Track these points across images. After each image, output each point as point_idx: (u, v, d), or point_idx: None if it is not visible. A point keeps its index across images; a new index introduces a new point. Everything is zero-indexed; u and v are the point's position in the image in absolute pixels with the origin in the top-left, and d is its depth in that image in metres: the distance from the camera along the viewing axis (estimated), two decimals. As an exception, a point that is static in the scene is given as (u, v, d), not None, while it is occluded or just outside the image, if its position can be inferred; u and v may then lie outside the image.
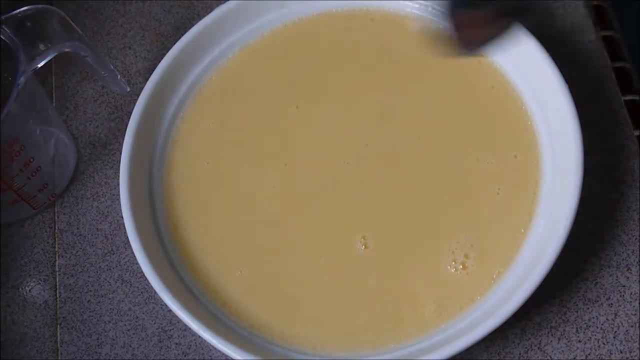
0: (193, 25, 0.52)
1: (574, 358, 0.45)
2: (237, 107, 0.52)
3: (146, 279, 0.44)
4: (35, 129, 0.51)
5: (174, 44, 0.52)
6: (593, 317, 0.46)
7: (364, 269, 0.46)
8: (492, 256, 0.45)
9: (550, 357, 0.45)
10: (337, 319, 0.45)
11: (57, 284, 0.51)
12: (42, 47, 0.46)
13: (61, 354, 0.48)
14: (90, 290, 0.50)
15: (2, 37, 0.45)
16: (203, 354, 0.47)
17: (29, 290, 0.51)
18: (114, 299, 0.50)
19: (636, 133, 0.52)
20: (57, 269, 0.51)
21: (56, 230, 0.53)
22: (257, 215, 0.48)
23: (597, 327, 0.46)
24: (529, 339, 0.46)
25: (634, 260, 0.47)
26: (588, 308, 0.46)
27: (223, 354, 0.43)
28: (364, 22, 0.54)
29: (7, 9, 0.46)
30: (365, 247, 0.46)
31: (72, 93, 0.58)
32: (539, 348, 0.45)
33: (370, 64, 0.53)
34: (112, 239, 0.52)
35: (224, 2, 0.53)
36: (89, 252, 0.51)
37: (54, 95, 0.58)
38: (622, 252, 0.48)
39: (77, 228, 0.52)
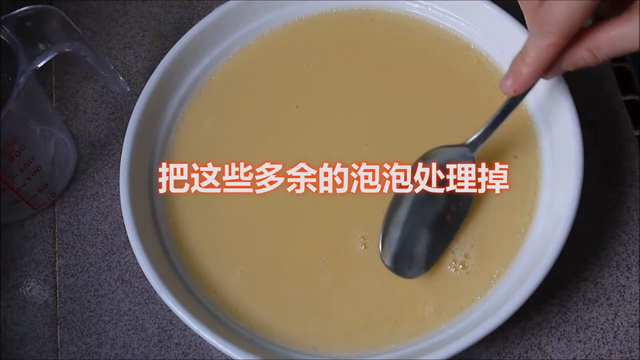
0: (193, 25, 0.52)
1: (574, 358, 0.45)
2: (237, 107, 0.52)
3: (146, 279, 0.44)
4: (35, 129, 0.51)
5: (174, 44, 0.52)
6: (593, 317, 0.46)
7: (364, 269, 0.45)
8: (492, 256, 0.45)
9: (550, 357, 0.45)
10: (337, 319, 0.45)
11: (57, 284, 0.51)
12: (42, 47, 0.46)
13: (61, 354, 0.48)
14: (90, 290, 0.50)
15: (2, 37, 0.45)
16: (203, 354, 0.47)
17: (29, 290, 0.51)
18: (114, 299, 0.50)
19: (636, 133, 0.52)
20: (57, 269, 0.51)
21: (56, 230, 0.53)
22: (257, 215, 0.48)
23: (597, 327, 0.46)
24: (529, 339, 0.46)
25: (634, 260, 0.47)
26: (588, 308, 0.46)
27: (223, 354, 0.43)
28: (363, 22, 0.54)
29: (7, 9, 0.46)
30: (365, 247, 0.46)
31: (72, 93, 0.58)
32: (539, 348, 0.45)
33: (370, 63, 0.53)
34: (112, 239, 0.52)
35: (224, 2, 0.53)
36: (89, 252, 0.51)
37: (54, 95, 0.58)
38: (622, 252, 0.48)
39: (77, 228, 0.52)
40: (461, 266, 0.45)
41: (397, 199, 0.45)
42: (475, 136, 0.45)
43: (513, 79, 0.41)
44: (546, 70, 0.40)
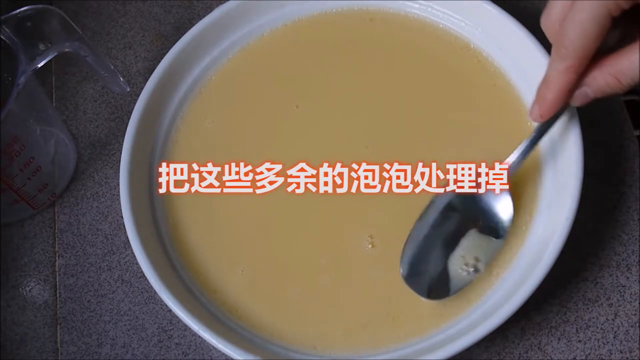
0: (193, 25, 0.52)
1: (574, 358, 0.45)
2: (237, 107, 0.52)
3: (146, 279, 0.44)
4: (35, 129, 0.51)
5: (174, 44, 0.52)
6: (593, 317, 0.46)
7: (365, 269, 0.45)
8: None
9: (550, 357, 0.45)
10: (337, 318, 0.45)
11: (57, 284, 0.51)
12: (42, 47, 0.46)
13: (61, 354, 0.48)
14: (90, 290, 0.50)
15: (2, 37, 0.45)
16: (203, 354, 0.47)
17: (29, 290, 0.51)
18: (114, 299, 0.50)
19: (636, 133, 0.52)
20: (57, 269, 0.51)
21: (56, 230, 0.53)
22: (258, 215, 0.48)
23: (597, 327, 0.46)
24: (529, 339, 0.46)
25: (634, 260, 0.47)
26: (588, 308, 0.46)
27: (223, 354, 0.43)
28: (363, 22, 0.54)
29: (7, 9, 0.46)
30: (373, 247, 0.46)
31: (72, 93, 0.58)
32: (539, 348, 0.45)
33: (370, 63, 0.53)
34: (112, 239, 0.52)
35: (224, 2, 0.53)
36: (89, 252, 0.51)
37: (54, 95, 0.58)
38: (622, 252, 0.48)
39: (77, 228, 0.52)
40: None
41: (423, 223, 0.45)
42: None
43: (538, 105, 0.42)
44: (569, 94, 0.40)
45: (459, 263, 0.44)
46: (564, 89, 0.40)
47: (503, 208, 0.44)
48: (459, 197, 0.45)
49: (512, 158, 0.44)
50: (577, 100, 0.41)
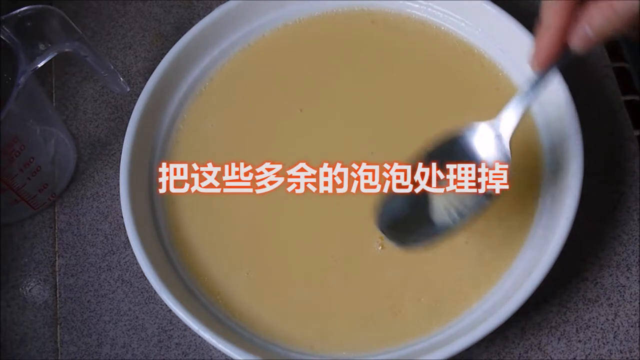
0: (193, 25, 0.52)
1: (574, 358, 0.45)
2: (237, 108, 0.52)
3: (146, 279, 0.44)
4: (35, 129, 0.51)
5: (174, 44, 0.52)
6: (593, 317, 0.46)
7: (373, 270, 0.45)
8: (492, 256, 0.45)
9: (550, 357, 0.45)
10: (340, 318, 0.45)
11: (57, 284, 0.51)
12: (42, 47, 0.46)
13: (61, 354, 0.48)
14: (90, 290, 0.50)
15: (2, 37, 0.45)
16: (203, 354, 0.47)
17: (29, 290, 0.51)
18: (114, 299, 0.50)
19: (636, 133, 0.52)
20: (57, 269, 0.51)
21: (56, 230, 0.53)
22: (258, 215, 0.48)
23: (597, 327, 0.46)
24: (529, 339, 0.46)
25: (634, 260, 0.47)
26: (588, 308, 0.46)
27: (223, 354, 0.43)
28: (364, 22, 0.54)
29: (7, 9, 0.46)
30: (382, 248, 0.46)
31: (72, 93, 0.58)
32: (539, 348, 0.45)
33: (371, 65, 0.53)
34: (112, 239, 0.52)
35: (224, 2, 0.53)
36: (89, 252, 0.51)
37: (54, 95, 0.58)
38: (622, 252, 0.48)
39: (77, 228, 0.52)
40: (460, 271, 0.45)
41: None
42: (505, 123, 0.42)
43: (536, 51, 0.39)
44: (564, 33, 0.38)
45: (442, 208, 0.43)
46: (557, 26, 0.38)
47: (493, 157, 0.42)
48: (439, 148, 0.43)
49: (509, 118, 0.42)
50: (577, 41, 0.38)
